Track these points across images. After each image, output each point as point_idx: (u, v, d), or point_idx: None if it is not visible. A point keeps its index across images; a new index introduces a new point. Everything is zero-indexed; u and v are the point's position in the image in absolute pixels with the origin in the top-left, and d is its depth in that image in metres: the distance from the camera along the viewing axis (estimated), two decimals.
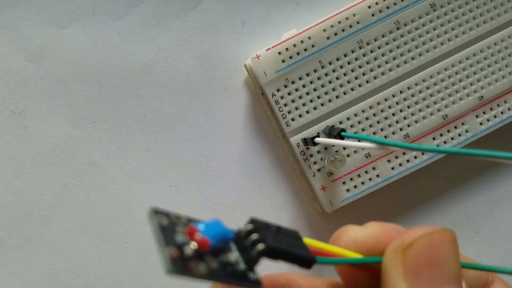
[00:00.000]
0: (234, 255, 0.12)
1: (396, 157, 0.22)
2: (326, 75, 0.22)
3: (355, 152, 0.22)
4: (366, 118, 0.22)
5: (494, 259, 0.24)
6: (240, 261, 0.12)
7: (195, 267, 0.10)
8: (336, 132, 0.21)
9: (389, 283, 0.13)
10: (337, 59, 0.22)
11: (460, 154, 0.14)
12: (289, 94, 0.22)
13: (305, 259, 0.12)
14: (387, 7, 0.22)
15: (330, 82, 0.22)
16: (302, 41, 0.22)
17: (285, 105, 0.22)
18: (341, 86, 0.22)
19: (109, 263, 0.23)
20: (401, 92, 0.22)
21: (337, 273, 0.16)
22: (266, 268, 0.15)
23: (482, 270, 0.16)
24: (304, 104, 0.22)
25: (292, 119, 0.22)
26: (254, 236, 0.12)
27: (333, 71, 0.22)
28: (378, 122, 0.22)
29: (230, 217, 0.23)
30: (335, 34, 0.22)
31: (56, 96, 0.22)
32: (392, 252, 0.14)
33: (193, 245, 0.11)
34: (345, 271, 0.16)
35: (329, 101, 0.22)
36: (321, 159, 0.22)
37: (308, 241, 0.13)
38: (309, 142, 0.22)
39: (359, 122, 0.22)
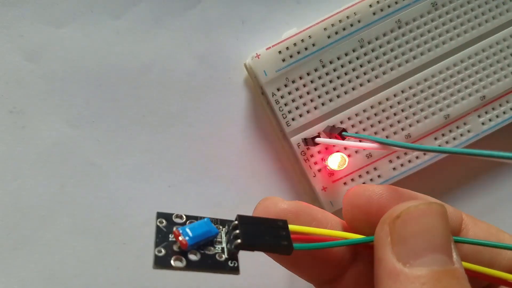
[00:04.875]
0: (218, 247, 0.14)
1: (398, 157, 0.22)
2: (327, 74, 0.22)
3: (356, 152, 0.22)
4: (368, 118, 0.22)
5: None
6: (224, 251, 0.14)
7: (175, 263, 0.13)
8: (337, 132, 0.21)
9: (378, 254, 0.14)
10: (338, 58, 0.22)
11: (462, 154, 0.14)
12: (289, 93, 0.22)
13: (281, 249, 0.14)
14: (388, 6, 0.22)
15: (331, 81, 0.22)
16: (302, 40, 0.22)
17: (285, 104, 0.22)
18: (342, 85, 0.22)
19: (107, 264, 0.22)
20: (402, 91, 0.22)
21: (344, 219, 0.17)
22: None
23: (480, 245, 0.16)
24: (304, 104, 0.22)
25: (293, 119, 0.22)
26: (235, 231, 0.14)
27: (334, 70, 0.22)
28: (379, 122, 0.22)
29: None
30: (336, 32, 0.22)
31: (55, 96, 0.22)
32: (381, 225, 0.14)
33: (177, 245, 0.14)
34: (350, 219, 0.16)
35: (330, 100, 0.22)
36: (322, 159, 0.22)
37: (296, 228, 0.15)
38: (309, 142, 0.22)
39: (360, 122, 0.22)
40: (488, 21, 0.23)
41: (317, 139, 0.21)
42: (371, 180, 0.22)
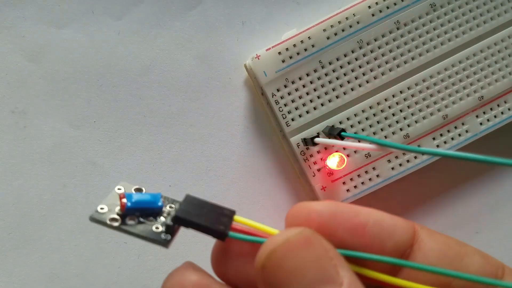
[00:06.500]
0: (160, 220, 0.15)
1: (396, 157, 0.22)
2: (326, 75, 0.22)
3: (355, 152, 0.22)
4: (366, 118, 0.22)
5: None
6: (163, 224, 0.15)
7: (110, 221, 0.14)
8: (336, 132, 0.21)
9: None
10: (337, 59, 0.22)
11: (458, 158, 0.14)
12: (289, 94, 0.22)
13: (216, 232, 0.14)
14: (387, 7, 0.22)
15: (330, 82, 0.22)
16: (302, 41, 0.22)
17: (285, 105, 0.22)
18: (341, 86, 0.22)
19: (108, 263, 0.22)
20: (401, 92, 0.22)
21: None
22: None
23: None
24: (304, 104, 0.22)
25: (292, 119, 0.22)
26: (174, 207, 0.15)
27: (333, 71, 0.22)
28: (378, 122, 0.22)
29: None
30: (335, 34, 0.22)
31: (56, 96, 0.22)
32: (256, 275, 0.13)
33: (119, 207, 0.15)
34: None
35: (329, 101, 0.22)
36: (321, 159, 0.22)
37: (241, 220, 0.15)
38: (309, 142, 0.22)
39: (359, 122, 0.22)
40: (486, 22, 0.23)
41: (317, 139, 0.21)
42: (369, 180, 0.22)
